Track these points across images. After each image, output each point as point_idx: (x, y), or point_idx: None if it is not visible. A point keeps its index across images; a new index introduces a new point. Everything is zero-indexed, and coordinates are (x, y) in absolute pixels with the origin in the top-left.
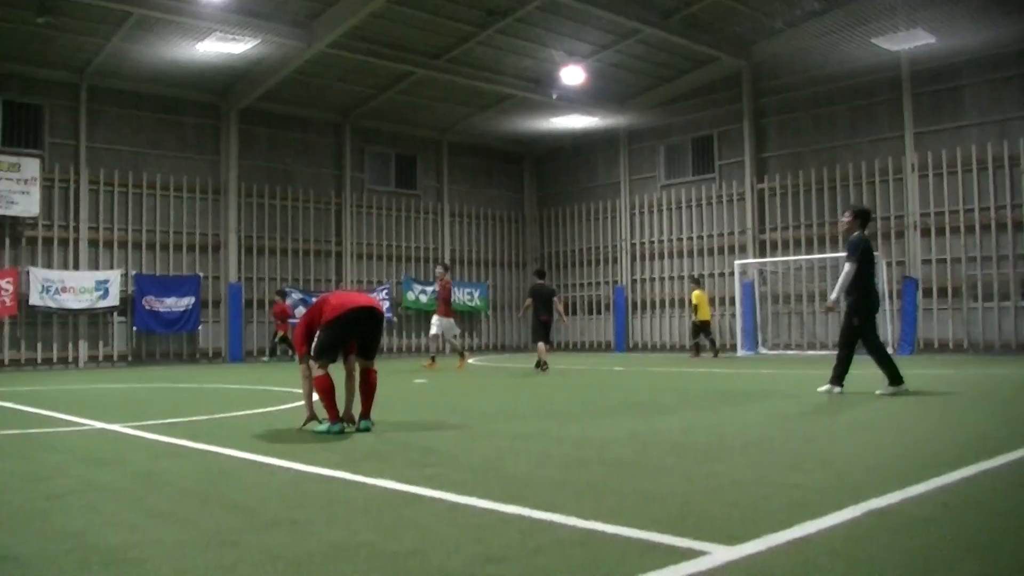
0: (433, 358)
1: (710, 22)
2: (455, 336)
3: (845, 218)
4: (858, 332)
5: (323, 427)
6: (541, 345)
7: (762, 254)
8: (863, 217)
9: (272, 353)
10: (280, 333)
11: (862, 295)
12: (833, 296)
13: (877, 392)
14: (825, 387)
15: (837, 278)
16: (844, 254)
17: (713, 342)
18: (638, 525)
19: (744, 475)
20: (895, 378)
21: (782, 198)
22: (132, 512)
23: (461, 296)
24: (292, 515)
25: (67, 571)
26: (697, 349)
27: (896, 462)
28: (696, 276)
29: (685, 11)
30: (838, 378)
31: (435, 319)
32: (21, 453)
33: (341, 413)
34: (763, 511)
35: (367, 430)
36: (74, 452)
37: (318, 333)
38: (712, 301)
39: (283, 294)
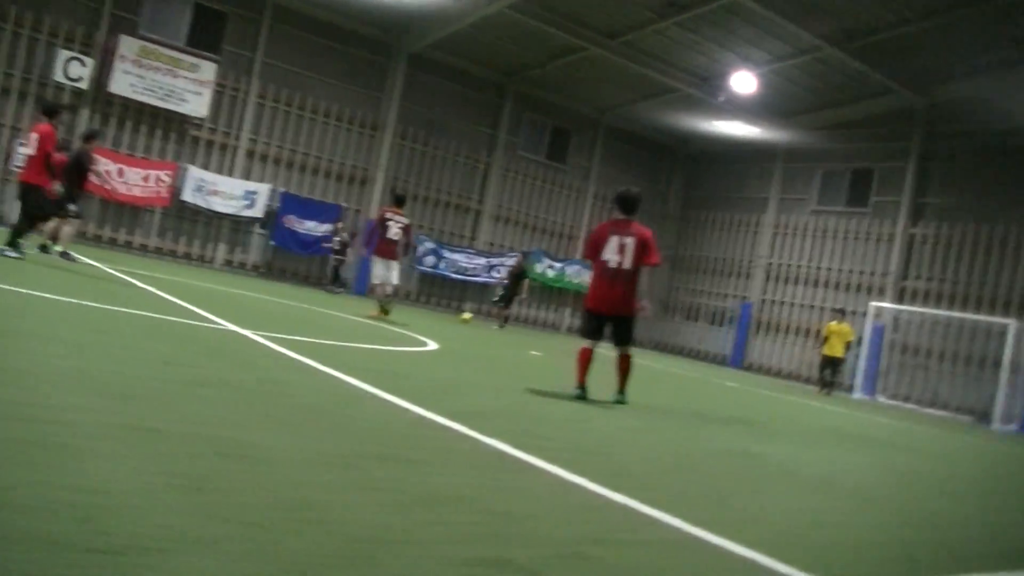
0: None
1: (894, 52)
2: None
3: None
4: None
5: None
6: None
7: (900, 300)
8: None
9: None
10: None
11: None
12: None
13: None
14: None
15: (975, 340)
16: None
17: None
18: (741, 542)
19: (850, 518)
20: None
21: (933, 247)
22: (260, 415)
23: (588, 280)
24: (409, 454)
25: (202, 453)
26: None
27: (1015, 536)
28: (841, 308)
29: (871, 37)
30: None
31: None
32: (163, 337)
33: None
34: (868, 558)
35: (619, 403)
36: (209, 347)
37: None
38: (849, 344)
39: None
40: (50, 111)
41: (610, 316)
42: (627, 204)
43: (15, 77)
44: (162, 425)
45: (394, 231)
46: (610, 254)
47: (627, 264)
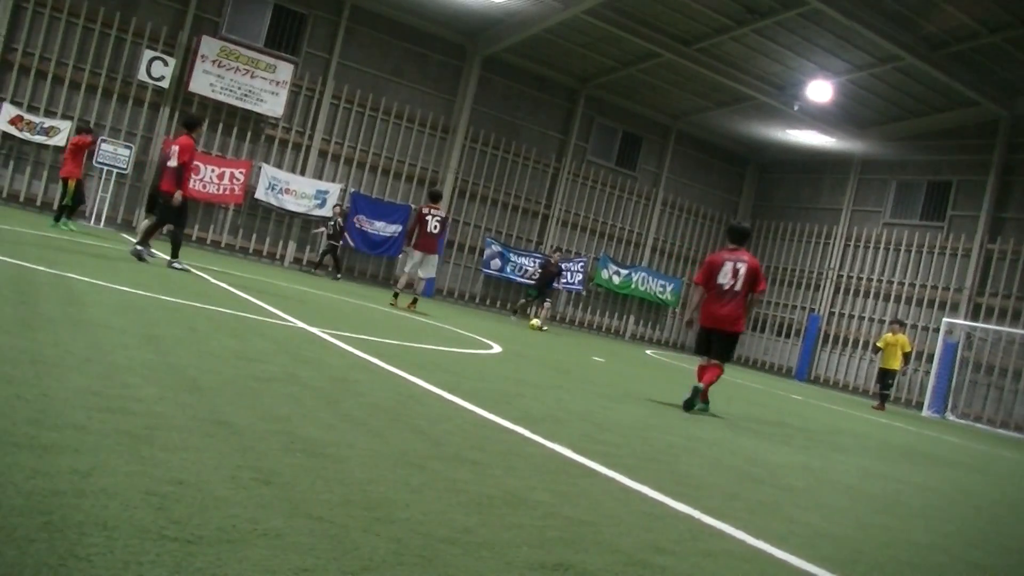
0: (415, 299)
1: (978, 63)
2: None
3: None
4: None
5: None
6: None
7: (975, 318)
8: None
9: (64, 214)
10: (68, 181)
11: None
12: None
13: None
14: None
15: None
16: None
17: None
18: (807, 558)
19: (920, 537)
20: None
21: (1012, 264)
22: (329, 412)
23: (653, 287)
24: (473, 456)
25: (274, 448)
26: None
27: None
28: (900, 319)
29: (955, 47)
30: None
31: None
32: (234, 332)
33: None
34: None
35: (701, 411)
36: (279, 343)
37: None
38: (908, 356)
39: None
40: (190, 124)
41: (715, 330)
42: (737, 235)
43: (101, 75)
44: (233, 419)
45: (432, 225)
46: (724, 277)
47: (738, 287)
